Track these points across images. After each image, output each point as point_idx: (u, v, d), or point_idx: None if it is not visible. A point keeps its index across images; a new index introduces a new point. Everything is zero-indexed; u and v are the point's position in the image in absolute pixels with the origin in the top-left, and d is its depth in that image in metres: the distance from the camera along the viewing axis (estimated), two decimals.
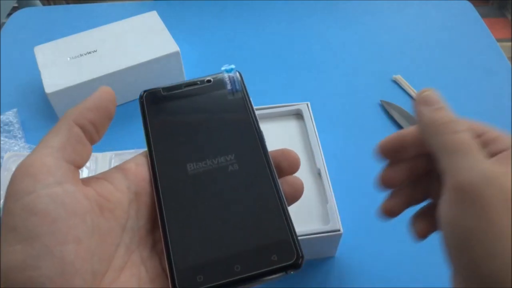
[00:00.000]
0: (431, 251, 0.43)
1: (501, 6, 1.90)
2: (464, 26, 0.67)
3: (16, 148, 0.52)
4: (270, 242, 0.22)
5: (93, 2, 0.80)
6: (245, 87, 0.27)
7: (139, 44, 0.56)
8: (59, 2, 1.72)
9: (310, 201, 0.41)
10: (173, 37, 0.56)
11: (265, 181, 0.24)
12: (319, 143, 0.45)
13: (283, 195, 0.23)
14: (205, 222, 0.23)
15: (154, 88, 0.27)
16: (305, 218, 0.40)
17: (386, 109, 0.55)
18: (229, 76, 0.28)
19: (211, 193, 0.24)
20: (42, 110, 0.56)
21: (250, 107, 0.26)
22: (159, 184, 0.24)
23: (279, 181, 0.24)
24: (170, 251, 0.22)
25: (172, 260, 0.22)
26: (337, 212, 0.39)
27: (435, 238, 0.43)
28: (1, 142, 0.52)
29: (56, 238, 0.19)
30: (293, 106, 0.48)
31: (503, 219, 0.20)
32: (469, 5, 0.70)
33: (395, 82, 0.59)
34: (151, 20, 0.59)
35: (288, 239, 0.22)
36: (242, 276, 0.21)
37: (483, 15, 0.68)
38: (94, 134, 0.23)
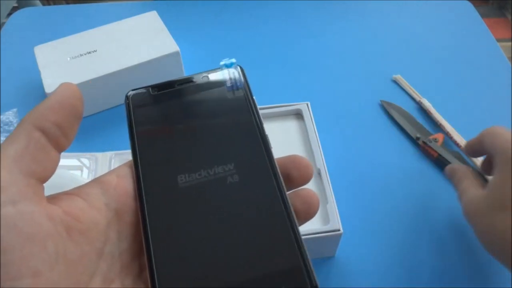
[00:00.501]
0: (431, 251, 0.43)
1: (501, 6, 1.90)
2: (464, 26, 0.67)
3: None
4: (277, 271, 0.18)
5: (93, 2, 0.80)
6: (247, 84, 0.24)
7: (139, 44, 0.56)
8: (59, 2, 1.72)
9: None
10: (173, 37, 0.56)
11: (271, 195, 0.20)
12: (319, 143, 0.45)
13: (293, 213, 0.20)
14: (198, 246, 0.19)
15: (142, 87, 0.24)
16: None
17: (386, 109, 0.55)
18: (228, 72, 0.24)
19: (205, 210, 0.20)
20: None
21: (254, 108, 0.23)
22: (144, 200, 0.20)
23: (289, 196, 0.21)
24: (156, 281, 0.18)
25: None
26: (337, 212, 0.39)
27: (435, 241, 0.43)
28: (1, 142, 0.52)
29: (8, 272, 0.16)
30: (293, 106, 0.48)
31: None
32: (469, 5, 0.70)
33: (395, 82, 0.59)
34: (151, 20, 0.59)
35: (299, 266, 0.18)
36: None
37: (483, 15, 0.68)
38: (61, 138, 0.20)
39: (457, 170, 0.41)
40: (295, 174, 0.22)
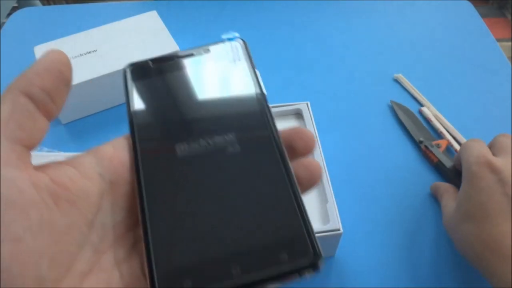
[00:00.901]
0: (431, 251, 0.43)
1: (501, 6, 1.90)
2: (464, 26, 0.67)
3: None
4: (279, 238, 0.18)
5: (93, 2, 0.80)
6: (250, 57, 0.24)
7: (139, 44, 0.56)
8: (59, 2, 1.72)
9: (310, 200, 0.41)
10: (173, 37, 0.56)
11: (273, 163, 0.20)
12: (319, 143, 0.45)
13: (295, 181, 0.19)
14: (196, 214, 0.19)
15: (141, 60, 0.24)
16: None
17: (394, 109, 0.54)
18: (231, 45, 0.24)
19: (204, 179, 0.20)
20: None
21: (256, 80, 0.23)
22: (140, 169, 0.20)
23: (291, 165, 0.20)
24: (151, 249, 0.18)
25: (153, 261, 0.18)
26: (337, 212, 0.39)
27: (434, 241, 0.43)
28: None
29: None
30: (293, 106, 0.48)
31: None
32: (469, 5, 0.70)
33: (397, 81, 0.59)
34: (151, 20, 0.59)
35: (302, 233, 0.18)
36: (241, 280, 0.17)
37: (483, 15, 0.68)
38: (50, 104, 0.19)
39: (439, 187, 0.45)
40: (299, 144, 0.21)
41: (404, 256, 0.43)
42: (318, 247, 0.18)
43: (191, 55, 0.24)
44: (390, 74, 0.60)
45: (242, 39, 0.24)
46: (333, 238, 0.39)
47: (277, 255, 0.17)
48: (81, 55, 0.55)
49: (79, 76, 0.52)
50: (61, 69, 0.19)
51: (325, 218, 0.40)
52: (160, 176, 0.20)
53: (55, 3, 1.69)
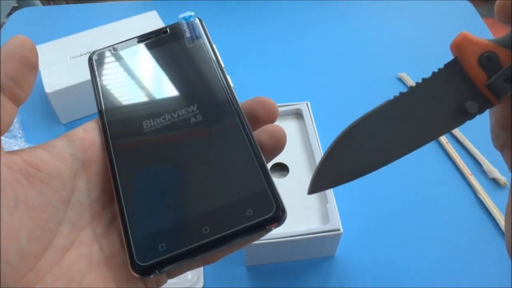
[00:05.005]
0: (431, 251, 0.43)
1: None
2: (464, 26, 0.67)
3: (16, 148, 0.52)
4: (244, 197, 0.19)
5: (93, 2, 0.80)
6: (207, 34, 0.25)
7: None
8: (59, 2, 1.72)
9: (310, 200, 0.41)
10: None
11: (234, 129, 0.21)
12: (319, 143, 0.45)
13: (257, 144, 0.20)
14: (166, 184, 0.20)
15: (104, 48, 0.25)
16: (305, 217, 0.40)
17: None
18: (187, 23, 0.25)
19: (171, 150, 0.21)
20: (42, 110, 0.56)
21: (214, 55, 0.24)
22: (111, 147, 0.21)
23: (252, 130, 0.21)
24: (126, 219, 0.19)
25: (129, 230, 0.19)
26: (337, 212, 0.39)
27: (435, 241, 0.43)
28: (1, 141, 0.52)
29: None
30: (293, 105, 0.48)
31: None
32: (469, 5, 0.70)
33: (400, 80, 0.59)
34: (151, 20, 0.59)
35: (264, 190, 0.19)
36: (211, 238, 0.18)
37: (483, 15, 0.68)
38: (16, 89, 0.19)
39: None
40: (261, 112, 0.22)
41: (404, 256, 0.43)
42: (280, 202, 0.19)
43: (151, 37, 0.25)
44: (393, 73, 0.60)
45: (198, 18, 0.26)
46: (333, 238, 0.39)
47: (244, 212, 0.18)
48: (81, 55, 0.55)
49: (79, 76, 0.52)
50: (24, 54, 0.19)
51: (325, 218, 0.40)
52: (130, 152, 0.21)
53: (55, 3, 1.69)
